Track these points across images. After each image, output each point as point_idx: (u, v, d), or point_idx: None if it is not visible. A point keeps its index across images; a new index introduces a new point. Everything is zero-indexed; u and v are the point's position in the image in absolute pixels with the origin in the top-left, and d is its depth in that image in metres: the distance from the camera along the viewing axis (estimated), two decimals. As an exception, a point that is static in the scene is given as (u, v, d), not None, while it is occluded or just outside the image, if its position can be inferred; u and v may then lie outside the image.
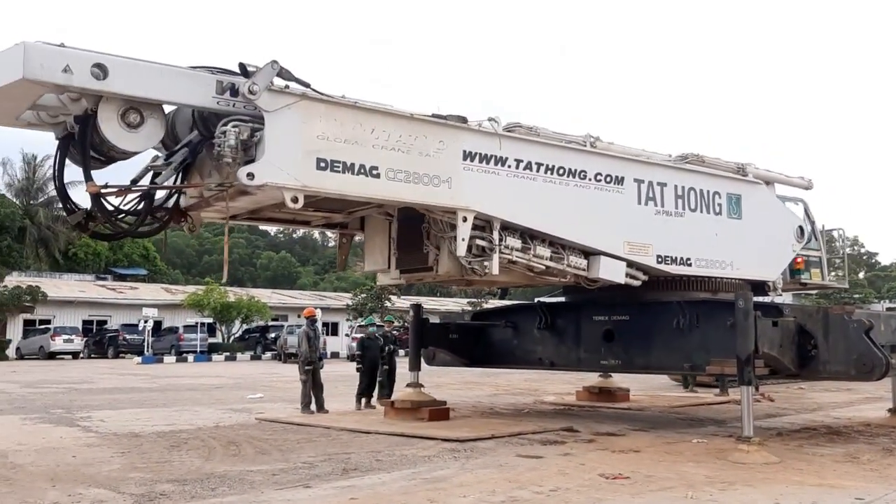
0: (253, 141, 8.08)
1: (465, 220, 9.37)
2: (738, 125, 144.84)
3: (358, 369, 14.66)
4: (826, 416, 13.36)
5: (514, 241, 9.79)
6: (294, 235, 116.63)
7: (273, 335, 41.87)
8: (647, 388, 18.88)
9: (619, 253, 10.56)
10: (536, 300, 14.88)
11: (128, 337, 41.28)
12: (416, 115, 9.23)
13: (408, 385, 12.26)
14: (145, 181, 9.18)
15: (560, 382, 20.69)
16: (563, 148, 10.40)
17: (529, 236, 9.99)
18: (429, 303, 51.92)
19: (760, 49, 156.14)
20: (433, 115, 9.42)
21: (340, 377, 19.80)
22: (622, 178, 10.72)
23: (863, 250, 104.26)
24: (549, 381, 21.45)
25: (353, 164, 8.53)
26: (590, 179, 10.43)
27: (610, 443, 9.91)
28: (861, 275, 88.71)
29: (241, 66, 8.13)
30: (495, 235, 9.64)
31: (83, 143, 8.09)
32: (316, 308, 45.87)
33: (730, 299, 9.59)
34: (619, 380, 15.94)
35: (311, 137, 8.34)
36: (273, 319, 47.62)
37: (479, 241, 9.57)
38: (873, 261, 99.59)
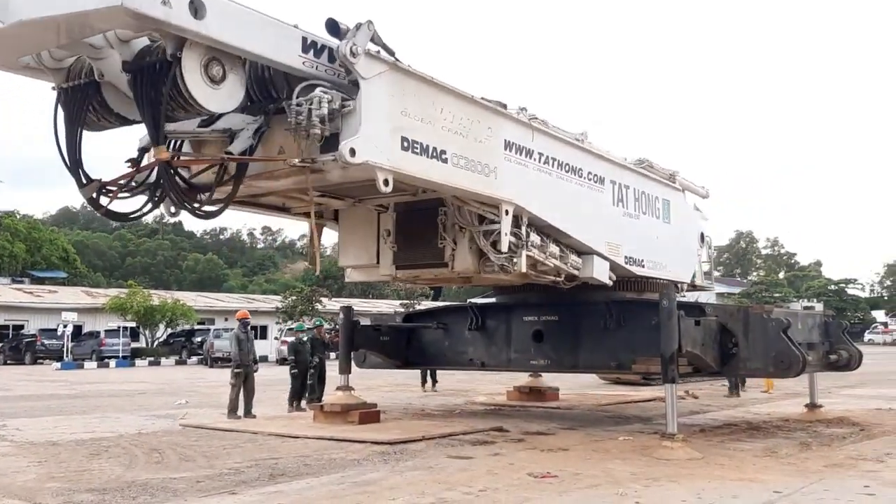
0: (340, 112, 7.17)
1: (507, 213, 8.96)
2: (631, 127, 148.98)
3: (292, 373, 14.65)
4: (747, 413, 13.77)
5: (535, 238, 9.59)
6: (221, 237, 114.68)
7: (199, 339, 40.97)
8: (576, 386, 19.16)
9: (604, 252, 10.63)
10: (469, 301, 14.94)
11: (46, 342, 39.73)
12: (476, 97, 8.67)
13: (338, 388, 12.13)
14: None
15: (491, 383, 20.81)
16: (573, 145, 10.32)
17: (545, 234, 9.83)
18: (360, 305, 51.64)
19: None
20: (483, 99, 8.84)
21: (269, 381, 19.47)
22: (603, 179, 10.83)
23: (783, 251, 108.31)
24: (480, 382, 21.57)
25: (427, 146, 7.89)
26: (583, 178, 10.42)
27: (539, 442, 9.99)
28: (781, 274, 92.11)
29: (331, 22, 7.08)
30: (524, 231, 9.37)
31: (154, 95, 6.81)
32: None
33: (654, 299, 9.80)
34: (549, 379, 16.13)
35: (396, 113, 7.61)
36: (199, 323, 46.60)
37: (511, 237, 9.16)
38: (793, 261, 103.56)
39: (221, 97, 6.97)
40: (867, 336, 72.26)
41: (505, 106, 9.22)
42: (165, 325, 44.28)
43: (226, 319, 46.19)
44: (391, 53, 7.64)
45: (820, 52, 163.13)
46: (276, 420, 12.62)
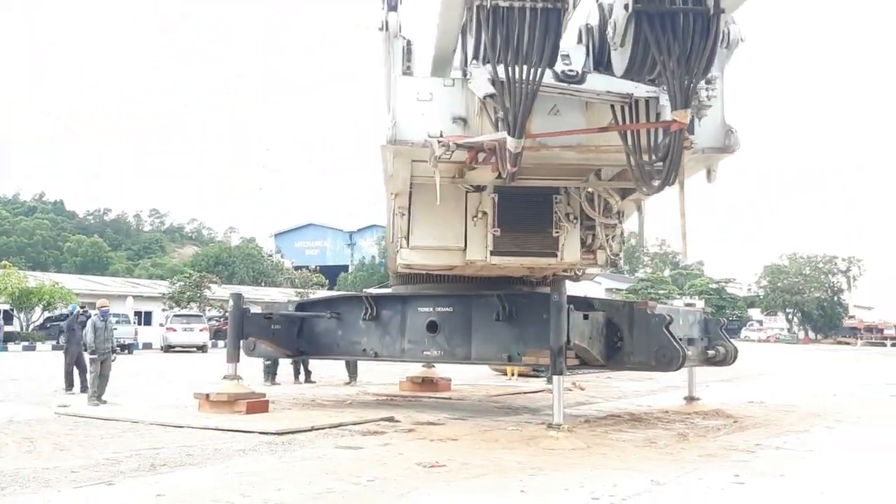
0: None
1: (639, 208, 9.10)
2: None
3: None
4: (630, 404, 14.27)
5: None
6: (106, 217, 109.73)
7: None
8: (469, 377, 19.37)
9: None
10: (364, 291, 14.85)
11: None
12: None
13: (225, 377, 11.82)
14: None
15: (385, 373, 20.78)
16: None
17: None
18: (252, 293, 50.51)
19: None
20: None
21: (154, 369, 18.81)
22: None
23: (668, 250, 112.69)
24: (373, 372, 21.49)
25: None
26: None
27: (429, 432, 10.05)
28: (666, 272, 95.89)
29: None
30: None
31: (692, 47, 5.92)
32: (129, 296, 43.51)
33: (546, 293, 9.99)
34: (442, 370, 16.25)
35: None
36: (80, 307, 44.39)
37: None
38: (677, 259, 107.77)
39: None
40: (744, 333, 76.36)
41: None
42: (42, 308, 42.02)
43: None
44: None
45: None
46: (159, 409, 12.20)
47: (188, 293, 43.66)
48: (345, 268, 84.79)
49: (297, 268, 77.10)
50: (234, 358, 12.05)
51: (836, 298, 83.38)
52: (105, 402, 13.08)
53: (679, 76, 6.05)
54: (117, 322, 35.35)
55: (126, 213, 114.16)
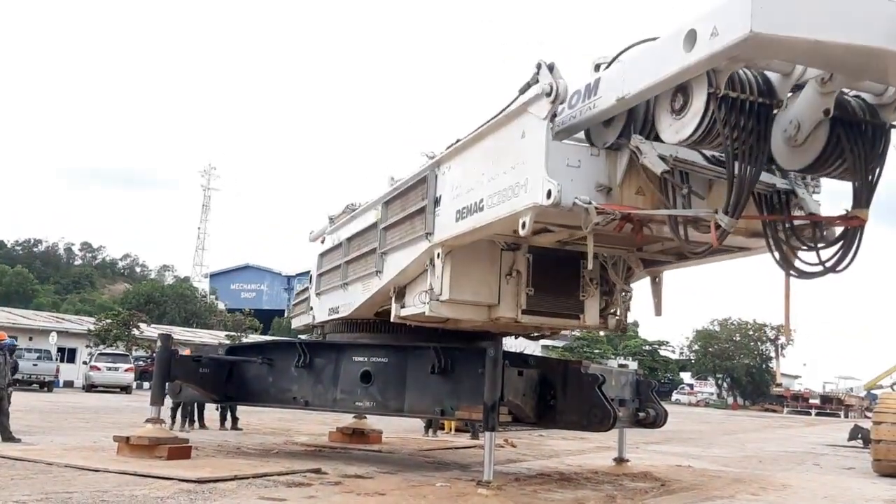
0: None
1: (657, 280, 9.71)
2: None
3: None
4: (560, 463, 14.24)
5: None
6: (35, 249, 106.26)
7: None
8: (400, 430, 19.11)
9: None
10: (298, 337, 14.62)
11: None
12: None
13: (147, 420, 11.40)
14: None
15: (315, 423, 20.37)
16: None
17: None
18: (183, 333, 49.32)
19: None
20: None
21: (74, 408, 18.07)
22: None
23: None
24: (303, 422, 21.05)
25: None
26: None
27: (356, 485, 9.81)
28: (602, 332, 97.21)
29: None
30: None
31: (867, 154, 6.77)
32: (53, 331, 42.01)
33: (482, 347, 9.98)
34: (374, 422, 15.99)
35: None
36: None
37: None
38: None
39: None
40: (674, 396, 77.55)
41: None
42: (-41, 340, 40.19)
43: (30, 339, 42.51)
44: None
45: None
46: (76, 450, 11.67)
47: (115, 331, 42.33)
48: (281, 312, 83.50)
49: (230, 310, 75.57)
50: (158, 401, 11.65)
51: (764, 366, 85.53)
52: (16, 440, 12.55)
53: (863, 177, 6.90)
54: (38, 358, 34.27)
55: (57, 246, 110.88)
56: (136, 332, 43.32)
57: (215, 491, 8.75)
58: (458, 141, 9.04)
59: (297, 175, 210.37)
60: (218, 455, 12.12)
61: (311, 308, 14.11)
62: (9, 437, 12.83)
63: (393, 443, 16.02)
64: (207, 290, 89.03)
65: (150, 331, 43.64)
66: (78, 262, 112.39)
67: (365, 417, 15.58)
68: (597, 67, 7.71)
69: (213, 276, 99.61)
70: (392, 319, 10.48)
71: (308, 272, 14.63)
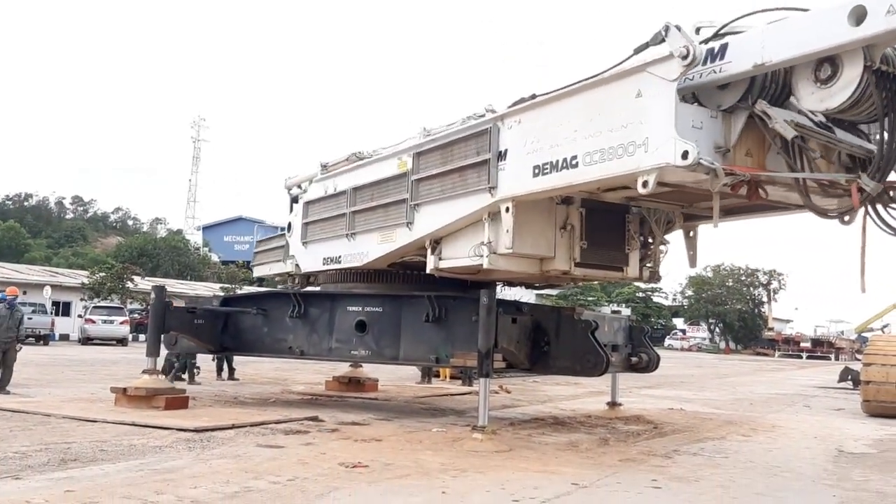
0: None
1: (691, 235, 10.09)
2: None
3: None
4: (554, 408, 14.43)
5: None
6: (26, 203, 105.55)
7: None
8: (396, 378, 19.31)
9: None
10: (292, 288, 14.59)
11: None
12: None
13: (144, 371, 11.48)
14: None
15: (311, 372, 20.55)
16: None
17: None
18: (178, 286, 49.40)
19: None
20: None
21: (70, 361, 18.17)
22: None
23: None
24: (299, 371, 21.23)
25: None
26: None
27: (353, 432, 9.95)
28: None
29: None
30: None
31: None
32: (46, 285, 41.94)
33: (475, 296, 10.01)
34: (370, 370, 16.13)
35: None
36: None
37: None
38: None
39: None
40: (667, 341, 78.39)
41: None
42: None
43: (24, 293, 42.46)
44: None
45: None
46: (73, 402, 11.77)
47: (109, 284, 42.32)
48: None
49: (224, 262, 75.51)
50: (154, 352, 11.71)
51: (756, 311, 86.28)
52: (9, 393, 12.68)
53: None
54: (33, 311, 34.26)
55: (48, 199, 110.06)
56: (130, 285, 43.29)
57: (213, 439, 8.86)
58: (533, 96, 8.95)
59: (288, 125, 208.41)
60: (215, 405, 12.24)
61: (293, 256, 13.93)
62: (2, 389, 13.00)
63: (389, 390, 16.20)
64: (200, 242, 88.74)
65: (144, 284, 43.61)
66: (69, 215, 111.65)
67: (361, 366, 15.72)
68: (698, 30, 7.77)
69: (206, 229, 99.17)
70: (428, 271, 10.48)
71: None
